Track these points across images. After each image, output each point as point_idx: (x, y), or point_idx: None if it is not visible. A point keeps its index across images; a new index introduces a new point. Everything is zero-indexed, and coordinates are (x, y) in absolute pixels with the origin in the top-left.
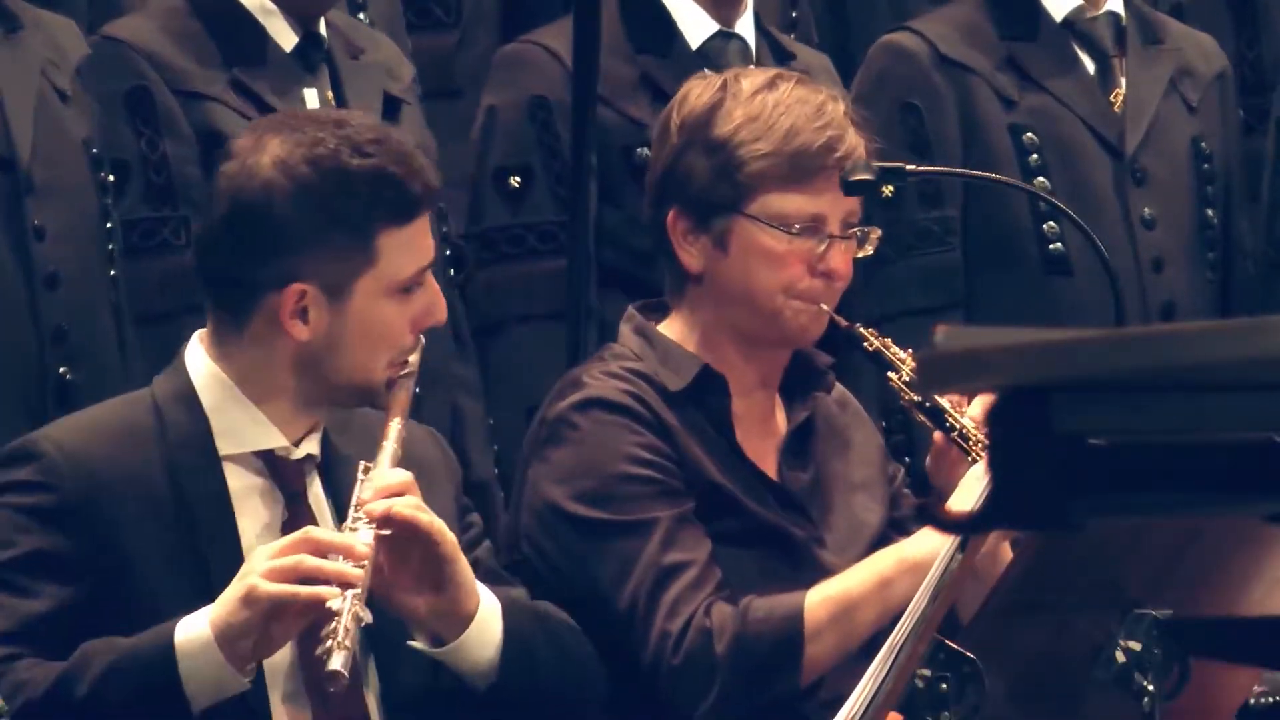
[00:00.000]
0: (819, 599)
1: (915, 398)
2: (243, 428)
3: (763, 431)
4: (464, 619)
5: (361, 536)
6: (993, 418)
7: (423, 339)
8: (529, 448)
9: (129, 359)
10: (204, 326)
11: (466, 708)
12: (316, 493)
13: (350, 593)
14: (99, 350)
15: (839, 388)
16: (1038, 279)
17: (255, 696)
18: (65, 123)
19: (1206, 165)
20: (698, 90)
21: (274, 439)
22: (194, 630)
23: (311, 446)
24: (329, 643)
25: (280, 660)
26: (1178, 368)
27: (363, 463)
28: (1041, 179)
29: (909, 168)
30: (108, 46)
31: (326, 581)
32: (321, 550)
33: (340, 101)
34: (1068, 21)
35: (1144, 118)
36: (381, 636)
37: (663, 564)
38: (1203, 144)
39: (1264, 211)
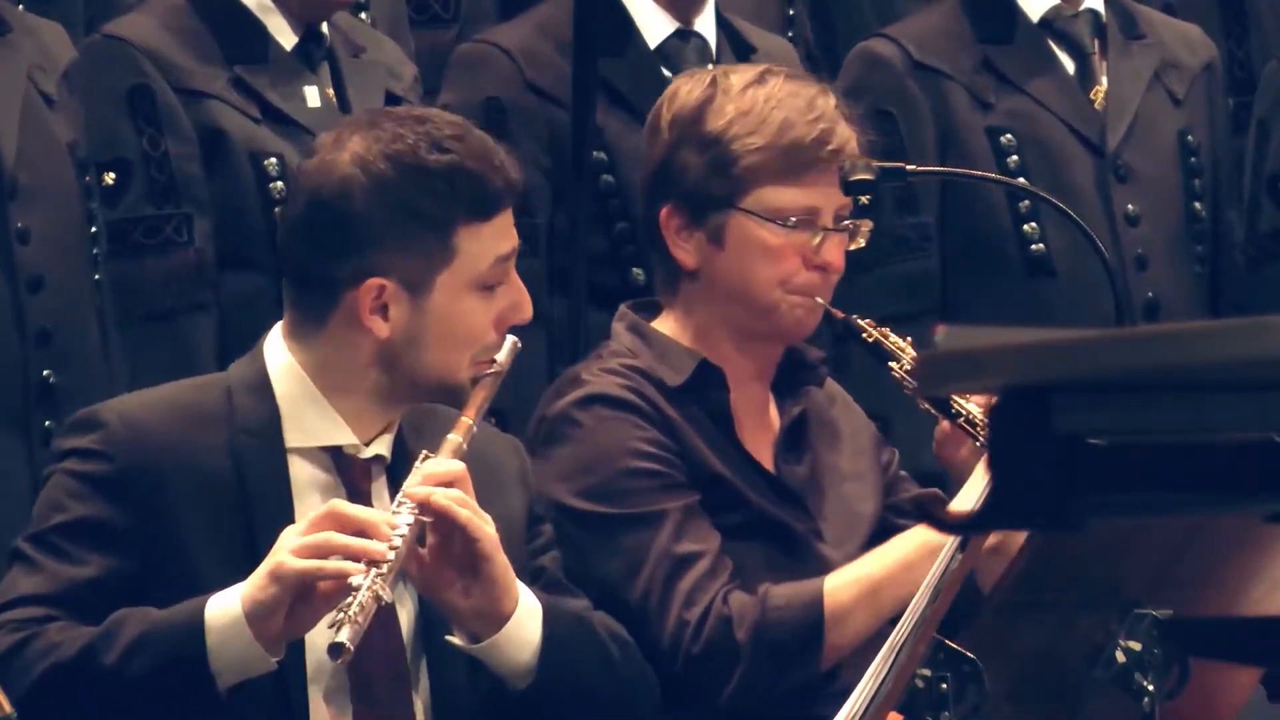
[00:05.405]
0: (839, 583)
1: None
2: (313, 422)
3: (758, 425)
4: (500, 618)
5: (399, 518)
6: (993, 418)
7: (516, 341)
8: (528, 448)
9: (113, 362)
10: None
11: (512, 711)
12: (381, 493)
13: (374, 571)
14: (83, 353)
15: (828, 381)
16: (1020, 281)
17: (295, 692)
18: (50, 127)
19: (1194, 159)
20: (687, 87)
21: (343, 436)
22: (225, 606)
23: (382, 447)
24: (340, 615)
25: (324, 657)
26: (1178, 368)
27: (424, 451)
28: (1022, 180)
29: (909, 167)
30: (109, 45)
31: (354, 559)
32: (348, 526)
33: (342, 100)
34: (1045, 21)
35: (1125, 113)
36: (434, 639)
37: (675, 554)
38: (1189, 137)
39: (1244, 208)
